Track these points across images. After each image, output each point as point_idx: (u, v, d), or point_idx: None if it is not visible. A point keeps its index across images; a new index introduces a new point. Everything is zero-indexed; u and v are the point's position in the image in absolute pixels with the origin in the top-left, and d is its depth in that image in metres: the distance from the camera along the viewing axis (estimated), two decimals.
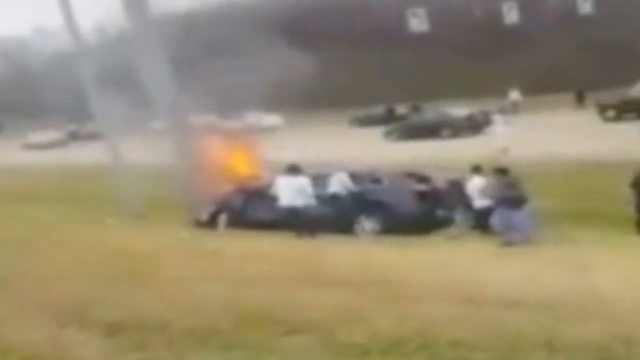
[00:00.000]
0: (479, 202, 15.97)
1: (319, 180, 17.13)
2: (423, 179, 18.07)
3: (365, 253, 10.84)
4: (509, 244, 13.29)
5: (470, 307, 6.27)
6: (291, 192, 15.87)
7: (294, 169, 16.27)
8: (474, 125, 37.05)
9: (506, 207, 14.20)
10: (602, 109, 36.60)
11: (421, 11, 44.13)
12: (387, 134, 39.95)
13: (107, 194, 20.30)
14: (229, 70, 23.69)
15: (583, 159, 22.78)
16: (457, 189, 17.16)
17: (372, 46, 54.98)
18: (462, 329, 5.41)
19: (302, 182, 16.00)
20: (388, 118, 46.13)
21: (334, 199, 16.96)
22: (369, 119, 47.99)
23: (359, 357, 4.97)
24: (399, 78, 52.77)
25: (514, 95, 46.13)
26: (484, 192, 15.78)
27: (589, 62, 47.38)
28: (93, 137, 31.85)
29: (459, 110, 39.06)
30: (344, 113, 49.08)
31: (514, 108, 44.30)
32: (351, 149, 29.95)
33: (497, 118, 32.85)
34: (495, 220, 14.34)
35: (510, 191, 14.36)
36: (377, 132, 39.64)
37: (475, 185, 16.11)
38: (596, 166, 20.83)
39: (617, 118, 35.10)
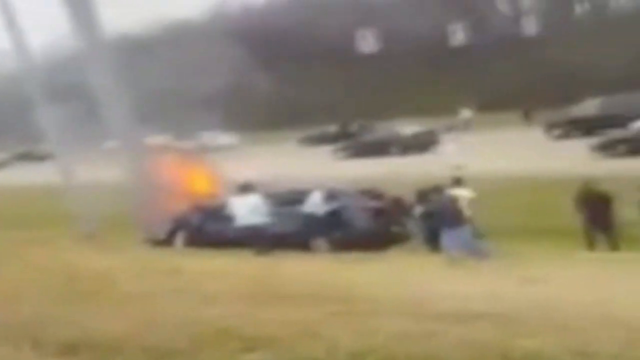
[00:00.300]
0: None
1: (293, 197, 17.29)
2: (377, 195, 18.24)
3: (323, 269, 10.89)
4: (453, 261, 13.28)
5: (427, 322, 6.32)
6: (246, 211, 15.92)
7: (246, 188, 16.35)
8: (422, 144, 37.56)
9: (448, 223, 14.22)
10: (550, 127, 37.30)
11: (370, 32, 44.69)
12: (337, 152, 40.32)
13: (60, 213, 20.07)
14: (181, 90, 23.71)
15: (532, 175, 23.12)
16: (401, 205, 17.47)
17: (324, 66, 55.30)
18: (420, 343, 5.46)
19: (255, 200, 16.10)
20: (338, 136, 46.36)
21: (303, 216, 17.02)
22: (319, 137, 48.25)
23: None
24: (351, 97, 53.20)
25: (466, 113, 46.71)
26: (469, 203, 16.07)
27: (535, 82, 48.23)
28: (46, 157, 31.49)
29: (407, 128, 39.66)
30: (299, 131, 49.24)
31: (466, 126, 44.83)
32: (304, 167, 30.00)
33: (446, 136, 33.28)
34: (443, 237, 14.32)
35: (450, 207, 14.44)
36: (328, 150, 39.83)
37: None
38: (545, 182, 21.13)
39: (564, 136, 35.76)
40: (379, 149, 37.79)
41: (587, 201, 16.81)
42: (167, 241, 18.34)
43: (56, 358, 5.61)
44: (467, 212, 15.85)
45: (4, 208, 27.43)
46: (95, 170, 18.53)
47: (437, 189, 15.20)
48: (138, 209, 19.19)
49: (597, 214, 16.53)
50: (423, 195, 15.68)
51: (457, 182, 16.71)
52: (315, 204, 17.29)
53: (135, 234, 18.46)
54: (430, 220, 15.23)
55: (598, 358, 5.10)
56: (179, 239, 18.36)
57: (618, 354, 5.16)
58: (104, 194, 16.83)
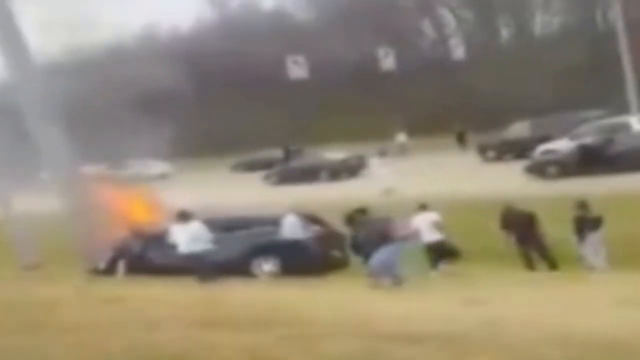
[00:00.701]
0: (429, 236, 16.71)
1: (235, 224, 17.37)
2: (316, 220, 18.42)
3: (268, 294, 10.98)
4: (376, 285, 13.32)
5: (374, 343, 6.45)
6: (187, 238, 15.90)
7: (183, 216, 16.33)
8: (350, 168, 38.40)
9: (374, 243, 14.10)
10: (483, 149, 38.09)
11: (301, 58, 45.02)
12: (267, 178, 40.63)
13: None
14: (115, 119, 23.56)
15: (467, 197, 23.56)
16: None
17: (255, 92, 55.40)
18: None
19: (196, 227, 16.06)
20: (270, 162, 46.62)
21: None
22: (251, 163, 48.39)
23: None
24: (283, 123, 53.37)
25: (401, 137, 47.16)
26: (436, 226, 16.71)
27: (464, 105, 49.09)
28: None
29: (336, 154, 40.41)
30: (230, 158, 49.22)
31: (402, 150, 45.36)
32: (237, 194, 30.10)
33: (375, 161, 33.61)
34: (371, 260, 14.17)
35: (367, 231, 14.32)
36: (260, 176, 40.13)
37: (425, 219, 16.74)
38: (480, 205, 21.51)
39: (497, 158, 36.58)
40: (309, 174, 38.15)
41: (511, 222, 17.36)
42: (108, 270, 18.20)
43: None
44: (433, 235, 16.48)
45: None
46: (34, 200, 18.23)
47: (362, 211, 15.11)
48: (78, 239, 19.01)
49: (524, 234, 17.07)
50: (350, 219, 15.78)
51: (422, 206, 17.13)
52: (294, 228, 17.36)
53: (76, 264, 18.26)
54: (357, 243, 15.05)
55: None
56: (120, 267, 18.25)
57: None
58: (43, 224, 16.60)
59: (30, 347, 6.94)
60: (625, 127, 32.52)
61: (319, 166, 39.07)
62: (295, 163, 42.98)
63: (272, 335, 7.01)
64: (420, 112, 49.75)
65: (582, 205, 16.72)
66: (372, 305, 9.06)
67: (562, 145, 32.75)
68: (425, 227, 16.72)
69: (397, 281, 13.36)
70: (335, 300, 9.96)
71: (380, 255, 13.55)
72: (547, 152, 33.23)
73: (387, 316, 7.95)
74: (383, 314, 8.21)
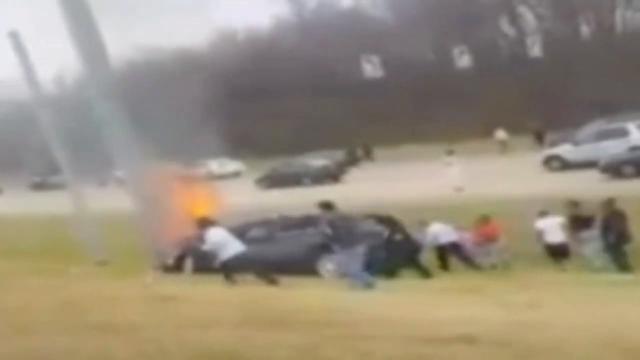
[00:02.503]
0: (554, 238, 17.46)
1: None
2: (390, 221, 18.31)
3: (326, 294, 10.95)
4: (352, 288, 13.17)
5: (429, 345, 6.39)
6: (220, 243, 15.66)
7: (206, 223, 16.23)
8: (331, 174, 41.18)
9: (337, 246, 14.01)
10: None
11: (375, 58, 44.99)
12: (258, 182, 42.21)
13: (70, 243, 20.18)
14: (190, 119, 23.89)
15: (534, 198, 23.17)
16: None
17: (330, 91, 55.49)
18: None
19: (221, 232, 15.88)
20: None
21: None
22: None
23: None
24: (352, 122, 53.32)
25: (500, 134, 46.40)
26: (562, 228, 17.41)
27: (543, 103, 48.18)
28: (58, 187, 31.63)
29: (317, 160, 43.15)
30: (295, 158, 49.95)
31: (502, 148, 44.77)
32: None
33: (446, 159, 33.66)
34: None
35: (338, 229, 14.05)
36: None
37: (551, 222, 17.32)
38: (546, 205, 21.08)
39: None
40: (294, 179, 40.22)
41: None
42: (176, 267, 18.48)
43: None
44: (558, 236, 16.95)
45: (16, 237, 27.62)
46: (107, 199, 18.64)
47: (328, 205, 14.57)
48: (147, 236, 19.32)
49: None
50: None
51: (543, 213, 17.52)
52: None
53: (144, 261, 18.54)
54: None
55: None
56: (188, 265, 18.50)
57: None
58: (115, 222, 16.94)
59: (94, 345, 7.06)
60: (623, 132, 33.59)
61: (301, 172, 41.18)
62: (281, 168, 44.23)
63: (325, 335, 7.01)
64: (496, 111, 49.06)
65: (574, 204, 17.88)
66: (428, 307, 8.96)
67: (564, 150, 35.20)
68: (551, 228, 17.43)
69: (368, 285, 13.27)
70: (392, 302, 9.88)
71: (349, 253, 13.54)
72: (551, 157, 35.62)
73: (442, 319, 7.85)
74: (439, 316, 8.11)
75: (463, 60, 47.43)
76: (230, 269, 14.96)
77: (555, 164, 35.00)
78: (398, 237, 17.75)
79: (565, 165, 34.23)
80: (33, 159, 45.80)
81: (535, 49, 50.61)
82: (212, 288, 12.49)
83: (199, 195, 20.64)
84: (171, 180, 22.09)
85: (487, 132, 46.24)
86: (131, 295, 10.67)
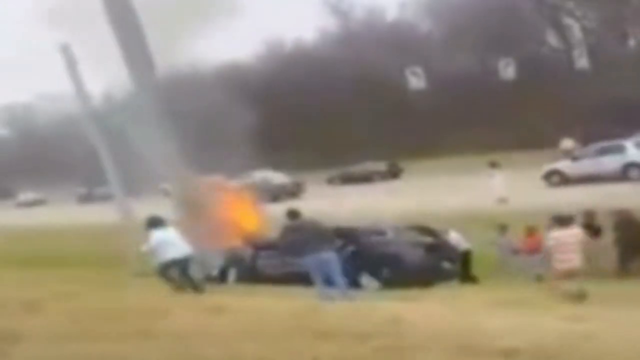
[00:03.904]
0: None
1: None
2: (429, 231, 18.33)
3: (367, 305, 10.94)
4: (327, 298, 13.04)
5: (472, 357, 6.37)
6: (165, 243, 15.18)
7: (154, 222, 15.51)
8: (290, 192, 43.08)
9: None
10: None
11: (419, 69, 44.94)
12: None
13: (118, 253, 20.42)
14: (236, 131, 24.09)
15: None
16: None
17: (375, 103, 55.53)
18: None
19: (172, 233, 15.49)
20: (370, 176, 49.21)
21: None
22: (349, 176, 50.72)
23: None
24: (395, 134, 53.32)
25: (567, 143, 45.75)
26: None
27: (588, 114, 47.54)
28: (105, 198, 32.11)
29: (278, 177, 45.16)
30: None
31: (569, 155, 44.22)
32: None
33: (489, 171, 33.95)
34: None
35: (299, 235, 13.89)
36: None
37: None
38: None
39: None
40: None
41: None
42: (220, 278, 18.65)
43: None
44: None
45: (60, 247, 28.06)
46: (153, 210, 18.73)
47: (294, 213, 14.39)
48: (192, 246, 19.52)
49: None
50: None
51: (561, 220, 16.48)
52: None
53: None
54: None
55: None
56: (231, 275, 18.67)
57: None
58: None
59: (139, 353, 7.15)
60: (620, 149, 34.55)
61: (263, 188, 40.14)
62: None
63: (367, 346, 7.02)
64: (540, 123, 48.54)
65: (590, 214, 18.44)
66: (476, 318, 8.91)
67: (564, 165, 36.20)
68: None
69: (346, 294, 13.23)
70: (437, 313, 9.85)
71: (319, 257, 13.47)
72: (552, 172, 36.12)
73: (489, 330, 7.81)
74: (486, 327, 8.07)
75: (508, 72, 46.96)
76: (165, 272, 14.77)
77: (555, 179, 35.87)
78: (438, 247, 17.83)
79: (565, 180, 35.16)
80: (80, 171, 46.47)
81: (581, 61, 49.93)
82: (259, 299, 12.54)
83: (244, 205, 20.79)
84: (215, 191, 22.33)
85: (533, 144, 45.79)
86: (176, 305, 10.76)
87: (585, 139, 42.69)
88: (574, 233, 13.78)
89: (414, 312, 9.61)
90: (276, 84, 58.46)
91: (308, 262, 13.68)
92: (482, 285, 17.20)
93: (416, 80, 45.54)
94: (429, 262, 17.12)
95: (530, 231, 19.21)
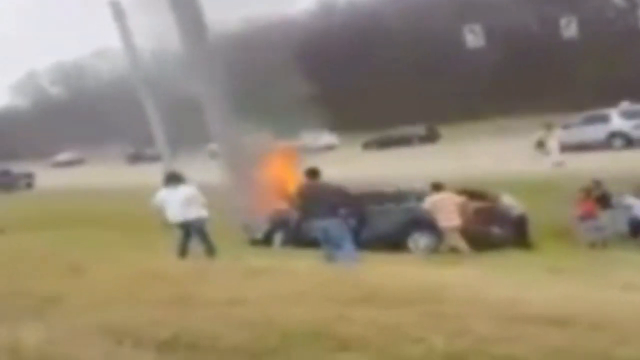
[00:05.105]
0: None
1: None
2: (479, 195, 18.03)
3: (414, 271, 10.73)
4: (329, 258, 13.05)
5: (519, 325, 6.14)
6: (176, 203, 14.85)
7: (173, 178, 15.32)
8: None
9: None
10: None
11: (478, 27, 44.03)
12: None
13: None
14: (287, 92, 23.91)
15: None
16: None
17: (432, 64, 54.82)
18: (515, 346, 5.31)
19: (188, 191, 15.06)
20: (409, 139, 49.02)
21: None
22: (385, 140, 50.67)
23: None
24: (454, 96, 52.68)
25: (624, 105, 44.87)
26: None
27: None
28: (155, 159, 32.30)
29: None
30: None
31: None
32: None
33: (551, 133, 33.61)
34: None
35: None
36: None
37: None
38: None
39: None
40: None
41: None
42: (266, 241, 18.56)
43: (155, 354, 5.71)
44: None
45: (105, 209, 28.23)
46: (201, 172, 18.68)
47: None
48: (239, 209, 19.45)
49: None
50: None
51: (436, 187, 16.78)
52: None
53: (236, 234, 18.64)
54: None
55: None
56: (277, 239, 18.56)
57: None
58: (208, 195, 16.95)
59: (181, 316, 7.04)
60: (605, 119, 36.03)
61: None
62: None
63: (413, 312, 6.81)
64: (603, 84, 47.30)
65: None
66: (522, 286, 8.63)
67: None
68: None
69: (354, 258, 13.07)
70: (484, 279, 9.59)
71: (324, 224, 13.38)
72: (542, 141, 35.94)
73: (535, 298, 7.53)
74: (531, 296, 7.80)
75: (570, 30, 45.78)
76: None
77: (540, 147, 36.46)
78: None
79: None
80: (129, 131, 46.82)
81: None
82: (306, 263, 12.40)
83: (292, 167, 20.64)
84: (264, 153, 22.21)
85: (590, 105, 44.85)
86: (218, 268, 10.67)
87: None
88: (448, 196, 16.40)
89: (462, 278, 9.39)
90: (326, 41, 58.01)
91: (313, 226, 13.64)
92: (537, 252, 16.83)
93: (474, 38, 44.70)
94: (476, 227, 16.83)
95: (587, 194, 18.84)
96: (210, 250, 14.65)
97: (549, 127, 34.27)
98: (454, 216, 16.20)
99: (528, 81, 50.66)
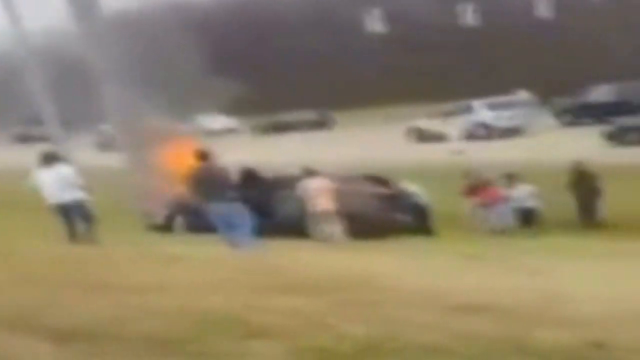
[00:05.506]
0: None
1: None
2: (383, 182, 18.08)
3: (326, 258, 10.62)
4: (233, 245, 12.96)
5: (438, 313, 6.08)
6: (53, 184, 14.04)
7: (49, 158, 14.40)
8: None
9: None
10: (559, 113, 37.54)
11: (377, 12, 44.42)
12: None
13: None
14: (186, 74, 23.49)
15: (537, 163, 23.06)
16: None
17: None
18: (433, 334, 5.22)
19: (65, 172, 14.29)
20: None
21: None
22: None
23: None
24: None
25: (523, 95, 45.83)
26: None
27: (548, 66, 47.53)
28: (43, 139, 31.13)
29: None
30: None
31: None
32: None
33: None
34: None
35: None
36: None
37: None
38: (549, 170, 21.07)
39: (574, 123, 35.95)
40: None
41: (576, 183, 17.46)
42: (165, 226, 18.16)
43: (52, 344, 5.35)
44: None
45: None
46: (92, 154, 18.13)
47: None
48: (136, 193, 18.99)
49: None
50: None
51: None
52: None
53: (134, 219, 18.19)
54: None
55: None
56: (178, 223, 18.18)
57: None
58: (101, 179, 16.44)
59: (82, 304, 6.70)
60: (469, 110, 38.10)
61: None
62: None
63: (328, 300, 6.64)
64: (502, 73, 48.31)
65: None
66: (439, 273, 8.64)
67: (423, 123, 39.67)
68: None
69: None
70: (396, 267, 9.58)
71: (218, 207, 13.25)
72: (411, 129, 39.54)
73: (451, 286, 7.53)
74: (447, 283, 7.80)
75: (468, 17, 46.77)
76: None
77: (414, 135, 39.67)
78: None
79: (423, 137, 38.81)
80: (18, 110, 45.23)
81: (543, 10, 49.76)
82: (214, 250, 12.13)
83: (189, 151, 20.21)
84: (161, 136, 21.73)
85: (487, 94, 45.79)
86: (126, 255, 10.30)
87: (545, 92, 43.13)
88: (321, 182, 16.47)
89: (375, 265, 9.36)
90: (224, 25, 57.41)
91: (209, 209, 13.44)
92: (442, 240, 17.02)
93: (373, 24, 45.22)
94: (380, 213, 16.87)
95: (486, 184, 19.18)
96: (90, 235, 14.01)
97: (447, 114, 35.29)
98: (326, 201, 16.22)
99: (426, 68, 51.35)
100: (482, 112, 37.97)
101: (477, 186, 18.91)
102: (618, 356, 4.62)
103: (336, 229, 16.18)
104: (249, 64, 55.24)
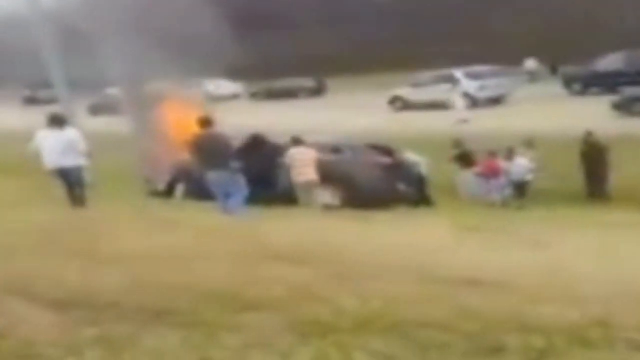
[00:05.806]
0: None
1: None
2: (387, 151, 17.93)
3: (324, 228, 10.52)
4: (229, 212, 12.99)
5: (435, 287, 6.01)
6: (55, 148, 13.77)
7: (56, 120, 14.09)
8: None
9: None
10: (568, 82, 37.05)
11: None
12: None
13: None
14: (192, 38, 23.25)
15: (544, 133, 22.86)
16: None
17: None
18: (429, 309, 5.15)
19: (71, 135, 14.03)
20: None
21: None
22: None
23: (324, 336, 4.62)
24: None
25: (530, 64, 45.53)
26: None
27: (558, 34, 46.98)
28: (50, 102, 30.97)
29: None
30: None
31: (532, 78, 43.95)
32: None
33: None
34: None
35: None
36: None
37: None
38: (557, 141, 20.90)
39: (583, 92, 35.54)
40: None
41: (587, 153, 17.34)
42: (167, 193, 18.09)
43: (50, 312, 5.31)
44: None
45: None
46: (98, 118, 18.05)
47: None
48: (139, 159, 18.91)
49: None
50: None
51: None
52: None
53: (135, 185, 18.11)
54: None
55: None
56: (179, 190, 18.10)
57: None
58: (105, 143, 16.34)
59: (79, 272, 6.65)
60: (452, 79, 37.68)
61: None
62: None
63: (324, 272, 6.60)
64: (508, 41, 47.79)
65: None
66: (430, 245, 8.54)
67: (406, 92, 38.99)
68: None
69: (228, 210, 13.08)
70: (395, 239, 9.49)
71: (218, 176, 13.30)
72: (395, 98, 39.09)
73: (447, 259, 7.46)
74: (444, 256, 7.72)
75: None
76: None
77: (398, 104, 39.02)
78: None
79: (407, 106, 38.18)
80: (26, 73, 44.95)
81: None
82: (207, 216, 12.07)
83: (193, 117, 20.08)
84: (165, 101, 21.61)
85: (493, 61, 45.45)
86: (122, 220, 10.22)
87: (553, 61, 42.76)
88: (306, 151, 16.36)
89: (373, 237, 9.28)
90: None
91: (208, 178, 13.46)
92: (443, 210, 16.91)
93: None
94: (382, 183, 16.76)
95: (489, 155, 19.11)
96: (80, 200, 13.81)
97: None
98: (309, 171, 16.16)
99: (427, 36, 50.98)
100: (465, 81, 37.31)
101: (467, 156, 18.87)
102: (622, 334, 4.53)
103: (326, 198, 16.20)
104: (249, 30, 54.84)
